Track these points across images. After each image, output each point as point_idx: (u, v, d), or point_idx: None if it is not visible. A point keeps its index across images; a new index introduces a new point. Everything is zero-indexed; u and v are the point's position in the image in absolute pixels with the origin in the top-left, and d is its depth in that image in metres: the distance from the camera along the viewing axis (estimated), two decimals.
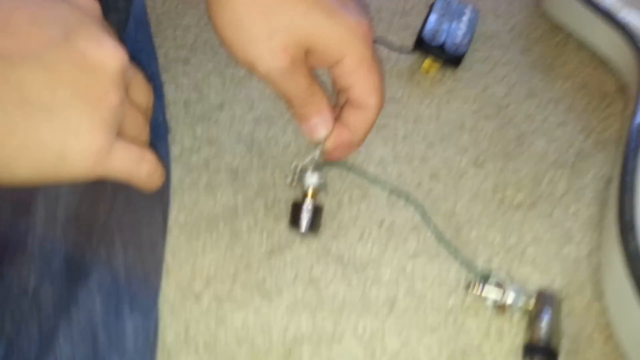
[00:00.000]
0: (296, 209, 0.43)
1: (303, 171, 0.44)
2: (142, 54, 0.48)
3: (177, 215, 0.45)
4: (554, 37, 0.57)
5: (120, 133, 0.33)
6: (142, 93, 0.35)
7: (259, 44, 0.37)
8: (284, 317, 0.40)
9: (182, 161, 0.48)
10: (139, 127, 0.35)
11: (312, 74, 0.41)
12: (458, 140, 0.50)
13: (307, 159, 0.44)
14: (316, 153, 0.43)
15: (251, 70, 0.38)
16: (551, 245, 0.44)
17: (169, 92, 0.52)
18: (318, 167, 0.45)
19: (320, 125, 0.41)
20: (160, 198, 0.43)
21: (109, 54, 0.30)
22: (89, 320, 0.34)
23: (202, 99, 0.52)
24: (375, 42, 0.55)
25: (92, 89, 0.30)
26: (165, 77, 0.53)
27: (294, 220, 0.43)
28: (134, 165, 0.33)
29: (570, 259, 0.44)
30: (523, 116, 0.52)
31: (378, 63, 0.42)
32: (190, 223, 0.45)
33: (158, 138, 0.45)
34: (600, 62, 0.55)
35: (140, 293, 0.37)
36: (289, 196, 0.46)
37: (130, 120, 0.34)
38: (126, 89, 0.33)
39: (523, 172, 0.48)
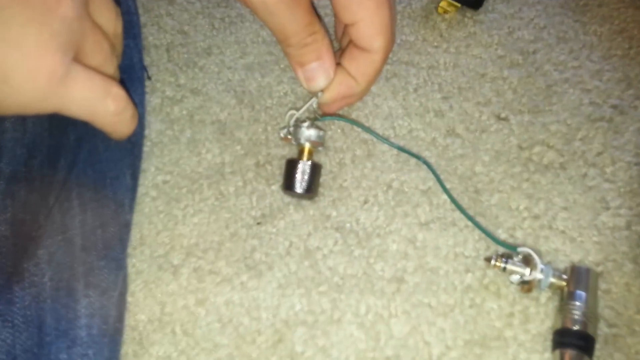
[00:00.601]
0: (291, 166, 0.36)
1: (299, 123, 0.37)
2: None
3: (154, 174, 0.39)
4: None
5: (81, 58, 0.27)
6: (107, 14, 0.30)
7: None
8: (275, 295, 0.34)
9: (163, 112, 0.41)
10: (104, 54, 0.29)
11: (314, 11, 0.33)
12: (479, 91, 0.42)
13: (303, 109, 0.37)
14: (313, 102, 0.36)
15: None
16: (585, 213, 0.37)
17: (151, 34, 0.45)
18: (316, 119, 0.38)
19: (320, 73, 0.34)
20: (130, 150, 0.36)
21: None
22: (35, 300, 0.28)
23: (188, 43, 0.45)
24: None
25: None
26: (146, 17, 0.46)
27: (288, 180, 0.36)
28: (97, 98, 0.28)
29: (606, 229, 0.37)
30: (553, 64, 0.44)
31: None
32: (170, 184, 0.38)
33: (132, 81, 0.38)
34: None
35: (98, 266, 0.31)
36: (283, 154, 0.39)
37: (93, 44, 0.28)
38: (86, 4, 0.27)
39: (553, 128, 0.41)
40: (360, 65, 0.35)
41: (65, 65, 0.26)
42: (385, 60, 0.35)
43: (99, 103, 0.28)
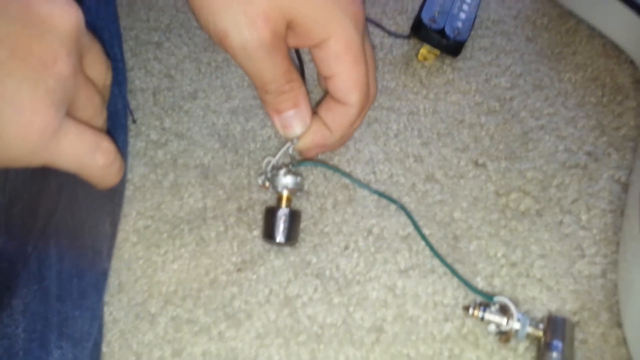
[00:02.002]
0: (270, 215, 0.35)
1: (275, 171, 0.35)
2: (103, 32, 0.39)
3: (136, 219, 0.37)
4: (563, 23, 0.48)
5: (72, 112, 0.26)
6: (99, 68, 0.28)
7: (235, 8, 0.28)
8: (253, 346, 0.32)
9: (147, 156, 0.40)
10: (95, 108, 0.27)
11: (292, 60, 0.32)
12: (457, 137, 0.41)
13: (278, 155, 0.35)
14: (288, 147, 0.34)
15: (222, 42, 0.29)
16: (561, 261, 0.36)
17: (138, 78, 0.44)
18: (294, 165, 0.36)
19: (296, 121, 0.33)
20: (110, 198, 0.34)
21: (60, 11, 0.23)
22: (7, 353, 0.26)
23: (174, 87, 0.43)
24: (368, 23, 0.46)
25: (37, 51, 0.23)
26: (134, 61, 0.45)
27: (268, 228, 0.35)
28: (87, 152, 0.26)
29: (582, 278, 0.35)
30: (529, 111, 0.43)
31: (370, 52, 0.33)
32: (151, 229, 0.36)
33: (116, 128, 0.37)
34: (614, 51, 0.46)
35: (72, 316, 0.29)
36: (265, 199, 0.38)
37: (84, 98, 0.27)
38: (80, 59, 0.26)
39: (529, 175, 0.39)
40: (336, 117, 0.33)
41: (58, 121, 0.24)
42: (360, 113, 0.34)
43: (89, 157, 0.27)
